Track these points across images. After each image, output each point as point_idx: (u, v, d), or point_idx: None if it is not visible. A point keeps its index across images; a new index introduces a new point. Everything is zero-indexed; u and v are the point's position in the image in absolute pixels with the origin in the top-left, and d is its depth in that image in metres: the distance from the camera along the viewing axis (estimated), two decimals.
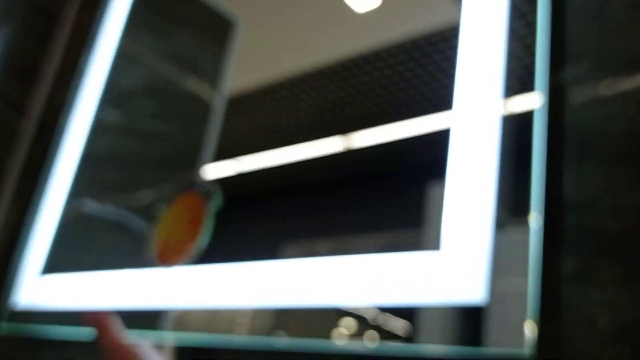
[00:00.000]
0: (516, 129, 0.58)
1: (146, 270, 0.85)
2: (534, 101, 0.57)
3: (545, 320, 0.51)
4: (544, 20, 0.61)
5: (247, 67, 1.24)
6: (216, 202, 0.81)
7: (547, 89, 0.59)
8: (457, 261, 0.54)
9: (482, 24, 0.63)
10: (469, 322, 0.54)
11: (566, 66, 0.59)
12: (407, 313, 0.60)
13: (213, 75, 1.26)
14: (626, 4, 0.57)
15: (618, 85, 0.55)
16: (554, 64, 0.59)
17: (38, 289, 1.03)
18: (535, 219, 0.53)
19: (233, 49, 1.26)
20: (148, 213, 1.06)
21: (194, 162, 1.12)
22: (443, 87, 0.86)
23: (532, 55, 0.59)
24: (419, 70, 0.92)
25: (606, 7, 0.59)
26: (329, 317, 0.72)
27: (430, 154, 0.87)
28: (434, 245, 0.56)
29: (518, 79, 0.61)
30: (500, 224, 0.54)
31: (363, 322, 0.68)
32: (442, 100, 0.85)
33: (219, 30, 1.34)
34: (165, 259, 0.82)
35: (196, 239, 0.80)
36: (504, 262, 0.54)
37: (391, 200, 0.86)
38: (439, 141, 0.82)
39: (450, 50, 0.84)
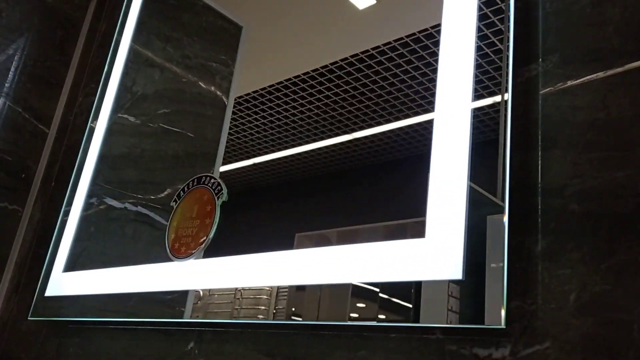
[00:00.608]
0: (489, 121, 0.63)
1: (163, 264, 0.91)
2: (505, 94, 0.61)
3: (517, 295, 0.56)
4: (514, 16, 0.65)
5: (255, 68, 1.29)
6: (224, 196, 0.87)
7: (516, 82, 0.63)
8: (439, 246, 0.59)
9: (457, 20, 0.67)
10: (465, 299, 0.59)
11: (533, 61, 0.63)
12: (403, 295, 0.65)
13: (224, 77, 1.30)
14: (589, 2, 0.61)
15: (582, 78, 0.59)
16: (522, 60, 0.64)
17: (65, 281, 1.10)
18: (508, 203, 0.58)
19: (242, 51, 1.31)
20: (164, 209, 1.12)
21: (208, 159, 1.17)
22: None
23: (499, 52, 0.64)
24: (420, 63, 0.96)
25: (571, 5, 0.63)
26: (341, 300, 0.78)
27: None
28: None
29: (489, 73, 0.65)
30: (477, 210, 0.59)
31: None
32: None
33: (227, 34, 1.38)
34: (179, 251, 0.88)
35: (207, 232, 0.85)
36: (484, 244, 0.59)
37: (397, 189, 0.90)
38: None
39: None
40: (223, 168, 1.11)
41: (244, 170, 1.12)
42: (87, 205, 1.21)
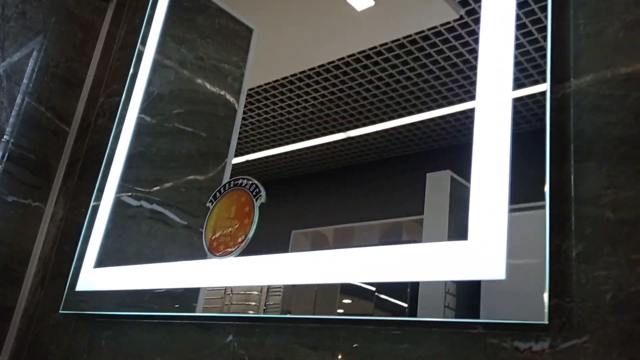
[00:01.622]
0: (530, 135, 0.68)
1: (201, 261, 0.95)
2: (545, 111, 0.67)
3: (555, 294, 0.61)
4: (550, 36, 0.70)
5: (256, 68, 1.32)
6: (262, 197, 0.91)
7: (553, 98, 0.68)
8: (482, 249, 0.65)
9: (494, 30, 0.73)
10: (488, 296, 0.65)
11: (570, 79, 0.69)
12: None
13: (235, 78, 1.34)
14: (623, 25, 0.67)
15: (617, 95, 0.65)
16: (559, 77, 0.69)
17: (97, 276, 1.14)
18: (548, 210, 0.63)
19: (252, 52, 1.35)
20: (178, 207, 1.16)
21: (220, 158, 1.21)
22: (441, 80, 0.95)
23: (541, 70, 0.69)
24: (416, 64, 1.00)
25: (606, 27, 0.68)
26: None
27: (431, 144, 0.95)
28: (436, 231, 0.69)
29: (529, 85, 0.71)
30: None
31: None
32: (440, 93, 0.95)
33: (239, 36, 1.42)
34: (218, 249, 0.92)
35: (246, 232, 0.90)
36: (523, 245, 0.64)
37: (393, 187, 0.94)
38: (438, 132, 0.92)
39: (446, 45, 0.94)
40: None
41: (240, 167, 1.16)
42: (116, 204, 1.25)
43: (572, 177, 0.65)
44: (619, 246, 0.60)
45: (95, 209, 1.24)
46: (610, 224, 0.61)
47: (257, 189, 0.92)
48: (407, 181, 0.92)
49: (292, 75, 1.22)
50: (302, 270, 0.80)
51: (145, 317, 1.04)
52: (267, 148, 1.19)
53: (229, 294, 0.88)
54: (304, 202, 1.04)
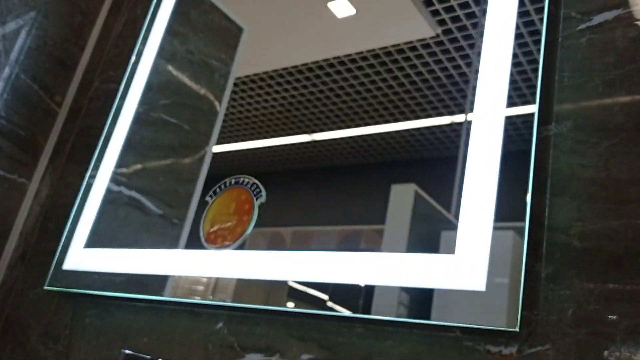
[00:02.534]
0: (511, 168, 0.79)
1: (198, 251, 1.02)
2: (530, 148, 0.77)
3: (526, 307, 0.72)
4: (540, 82, 0.81)
5: (246, 64, 1.36)
6: (263, 197, 0.99)
7: (535, 139, 0.79)
8: (466, 263, 0.74)
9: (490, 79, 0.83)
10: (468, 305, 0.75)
11: (552, 123, 0.80)
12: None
13: (222, 75, 1.39)
14: (601, 83, 0.78)
15: (590, 143, 0.76)
16: (544, 120, 0.80)
17: (83, 257, 1.18)
18: (527, 236, 0.73)
19: (240, 51, 1.40)
20: (155, 196, 1.21)
21: (199, 152, 1.25)
22: (411, 94, 1.02)
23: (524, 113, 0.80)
24: (389, 76, 1.07)
25: (586, 82, 0.80)
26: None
27: (394, 155, 1.01)
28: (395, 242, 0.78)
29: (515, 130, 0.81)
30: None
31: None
32: (408, 106, 1.02)
33: (229, 34, 1.47)
34: (216, 241, 0.99)
35: (244, 228, 0.97)
36: (500, 263, 0.74)
37: (356, 195, 0.99)
38: (402, 144, 0.98)
39: (420, 61, 1.03)
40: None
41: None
42: (93, 185, 1.29)
43: (547, 208, 0.76)
44: (581, 271, 0.70)
45: (87, 190, 1.28)
46: (576, 251, 0.72)
47: (258, 189, 1.00)
48: (369, 190, 0.97)
49: (264, 73, 1.26)
50: (311, 267, 0.88)
51: (134, 299, 1.09)
52: (232, 141, 1.22)
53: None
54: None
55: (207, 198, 1.07)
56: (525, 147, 0.78)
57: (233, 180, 1.05)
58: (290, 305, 0.88)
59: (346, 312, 0.83)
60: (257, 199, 0.99)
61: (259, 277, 0.92)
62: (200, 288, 0.98)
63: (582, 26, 0.83)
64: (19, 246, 1.39)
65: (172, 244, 1.13)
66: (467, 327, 0.74)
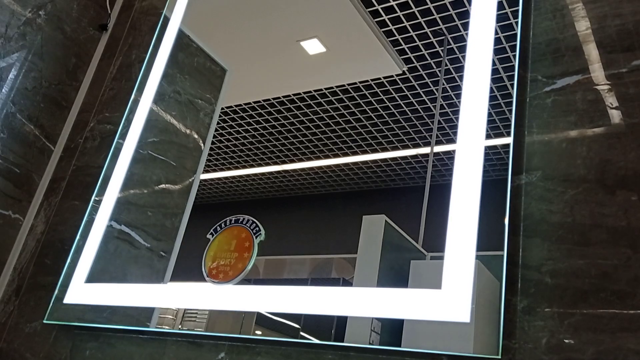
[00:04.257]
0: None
1: (200, 284, 1.09)
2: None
3: (505, 336, 0.81)
4: (513, 139, 0.93)
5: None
6: (262, 236, 1.07)
7: (511, 186, 0.90)
8: (452, 297, 0.84)
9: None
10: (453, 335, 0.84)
11: (523, 173, 0.91)
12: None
13: (206, 114, 1.48)
14: (565, 139, 0.90)
15: (557, 192, 0.87)
16: (516, 170, 0.92)
17: (84, 291, 1.24)
18: (505, 274, 0.84)
19: (224, 91, 1.50)
20: (143, 230, 1.28)
21: (184, 187, 1.33)
22: (378, 127, 1.10)
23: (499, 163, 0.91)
24: (357, 110, 1.16)
25: (552, 138, 0.91)
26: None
27: (362, 185, 1.09)
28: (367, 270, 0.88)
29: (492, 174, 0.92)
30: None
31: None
32: (376, 139, 1.10)
33: (214, 75, 1.57)
34: (217, 276, 1.07)
35: (245, 264, 1.05)
36: (481, 296, 0.84)
37: (327, 224, 1.05)
38: (369, 175, 1.07)
39: (387, 96, 1.12)
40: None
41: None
42: (88, 222, 1.35)
43: (521, 248, 0.86)
44: (553, 304, 0.81)
45: (88, 226, 1.33)
46: (548, 287, 0.82)
47: (257, 228, 1.08)
48: (340, 220, 1.04)
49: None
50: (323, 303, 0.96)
51: (135, 332, 1.15)
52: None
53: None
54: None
55: (208, 236, 1.15)
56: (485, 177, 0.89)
57: (233, 219, 1.13)
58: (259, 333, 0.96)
59: (316, 341, 0.91)
60: (256, 237, 1.07)
61: (242, 309, 1.00)
62: (169, 317, 1.07)
63: (548, 88, 0.96)
64: (13, 280, 1.43)
65: (159, 275, 1.20)
66: (454, 355, 0.84)
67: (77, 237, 1.34)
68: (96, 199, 1.37)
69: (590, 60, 0.94)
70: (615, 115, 0.89)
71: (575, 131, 0.91)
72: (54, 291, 1.28)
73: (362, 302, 0.90)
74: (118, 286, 1.21)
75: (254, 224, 1.09)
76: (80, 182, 1.48)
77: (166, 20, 1.58)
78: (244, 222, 1.11)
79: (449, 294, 0.85)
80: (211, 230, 1.14)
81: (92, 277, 1.27)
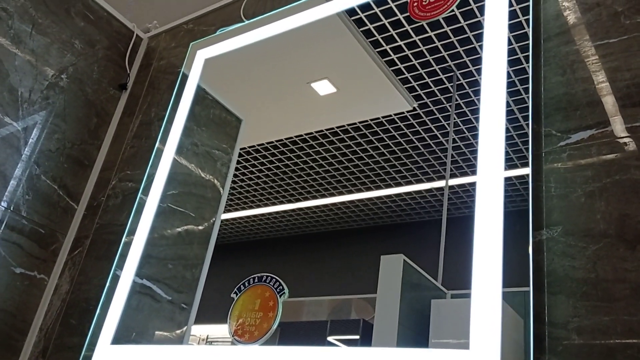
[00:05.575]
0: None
1: (229, 347, 1.10)
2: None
3: None
4: (532, 194, 0.94)
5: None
6: (286, 295, 1.09)
7: (533, 241, 0.91)
8: (481, 357, 0.85)
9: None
10: None
11: (544, 228, 0.92)
12: None
13: (223, 164, 1.52)
14: (583, 193, 0.92)
15: (579, 247, 0.88)
16: (536, 225, 0.93)
17: (110, 353, 1.25)
18: (532, 332, 0.84)
19: (239, 141, 1.53)
20: (164, 283, 1.30)
21: (204, 237, 1.36)
22: (391, 163, 1.11)
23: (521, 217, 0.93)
24: (369, 147, 1.18)
25: (570, 192, 0.93)
26: None
27: (377, 220, 1.09)
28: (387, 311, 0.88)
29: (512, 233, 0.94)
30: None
31: None
32: (389, 174, 1.11)
33: (230, 125, 1.60)
34: (243, 336, 1.08)
35: (270, 324, 1.06)
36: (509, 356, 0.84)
37: (345, 263, 1.05)
38: (384, 209, 1.07)
39: (398, 132, 1.13)
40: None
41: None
42: (112, 278, 1.37)
43: (546, 305, 0.87)
44: None
45: (112, 284, 1.35)
46: (575, 345, 0.83)
47: (281, 286, 1.10)
48: (357, 258, 1.04)
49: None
50: None
51: None
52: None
53: None
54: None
55: (232, 295, 1.16)
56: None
57: (256, 278, 1.15)
58: None
59: None
60: (280, 296, 1.09)
61: None
62: None
63: (562, 143, 0.98)
64: (40, 342, 1.45)
65: (180, 328, 1.21)
66: None
67: (102, 297, 1.36)
68: (120, 256, 1.39)
69: (604, 114, 0.96)
70: (631, 169, 0.90)
71: (592, 185, 0.92)
72: (80, 352, 1.29)
73: None
74: (144, 348, 1.22)
75: (277, 283, 1.10)
76: (103, 240, 1.51)
77: (184, 77, 1.63)
78: (267, 281, 1.12)
79: (477, 354, 0.85)
80: (235, 290, 1.16)
81: (117, 335, 1.28)
